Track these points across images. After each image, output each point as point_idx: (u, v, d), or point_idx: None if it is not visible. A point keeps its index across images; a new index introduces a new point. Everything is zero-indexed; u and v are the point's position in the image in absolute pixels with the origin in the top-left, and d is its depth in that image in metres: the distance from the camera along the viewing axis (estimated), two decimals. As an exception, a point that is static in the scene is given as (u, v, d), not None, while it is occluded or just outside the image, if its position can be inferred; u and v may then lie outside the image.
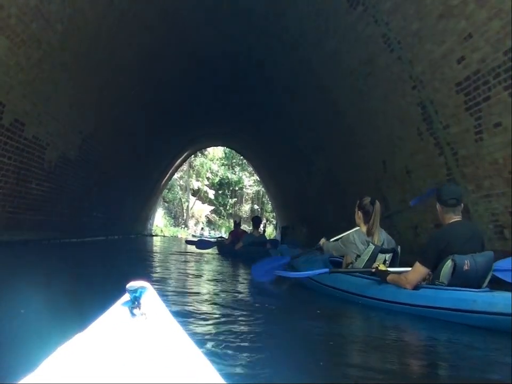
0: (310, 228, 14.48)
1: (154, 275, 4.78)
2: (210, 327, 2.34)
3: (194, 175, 40.21)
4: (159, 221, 29.87)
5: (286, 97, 11.91)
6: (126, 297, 0.93)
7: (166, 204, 38.04)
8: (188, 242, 11.36)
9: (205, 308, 2.98)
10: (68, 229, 9.64)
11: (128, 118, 11.20)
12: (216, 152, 39.87)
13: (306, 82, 9.92)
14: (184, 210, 39.43)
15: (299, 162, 14.55)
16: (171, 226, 34.07)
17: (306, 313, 3.18)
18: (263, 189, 44.42)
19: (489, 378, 1.84)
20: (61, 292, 3.10)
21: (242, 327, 2.40)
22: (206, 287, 4.10)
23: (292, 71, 10.21)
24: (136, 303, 0.86)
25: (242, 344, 2.00)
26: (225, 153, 40.88)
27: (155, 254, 9.91)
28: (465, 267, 2.87)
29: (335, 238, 4.32)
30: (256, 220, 8.94)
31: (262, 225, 26.60)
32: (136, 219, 18.88)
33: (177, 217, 38.79)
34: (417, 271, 3.05)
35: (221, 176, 41.38)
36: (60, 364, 0.64)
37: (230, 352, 1.81)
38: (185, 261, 8.15)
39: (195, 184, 40.38)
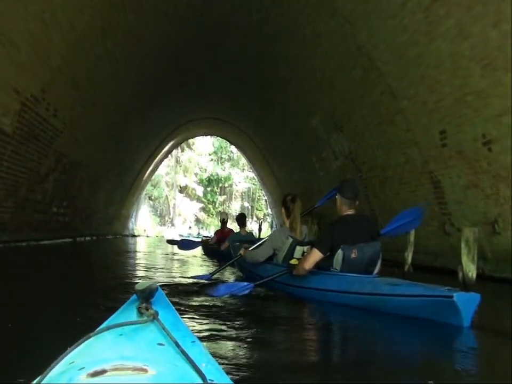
0: (323, 225, 12.10)
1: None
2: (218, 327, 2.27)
3: (181, 171, 38.60)
4: (144, 220, 27.60)
5: (292, 64, 9.53)
6: (135, 297, 0.95)
7: (151, 202, 36.36)
8: (169, 242, 9.40)
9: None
10: (9, 228, 7.12)
11: (102, 92, 8.72)
12: (205, 146, 38.15)
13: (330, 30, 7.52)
14: (171, 209, 37.60)
15: (307, 148, 12.16)
16: (157, 225, 32.11)
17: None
18: (254, 186, 43.06)
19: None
20: None
21: (247, 328, 2.38)
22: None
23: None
24: (145, 303, 0.85)
25: (250, 344, 2.03)
26: (215, 148, 39.16)
27: (125, 261, 7.45)
28: (353, 255, 3.24)
29: (255, 245, 4.55)
30: (240, 218, 8.11)
31: (258, 225, 24.37)
32: (114, 217, 16.33)
33: (163, 215, 37.02)
34: (313, 254, 3.36)
35: (210, 172, 39.69)
36: (69, 363, 0.64)
37: (239, 352, 1.85)
38: (158, 267, 5.84)
39: (182, 181, 39.11)
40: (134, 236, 20.07)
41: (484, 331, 2.57)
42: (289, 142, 13.66)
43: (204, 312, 2.70)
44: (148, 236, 23.02)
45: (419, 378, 1.68)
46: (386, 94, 7.16)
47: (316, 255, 3.34)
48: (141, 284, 0.91)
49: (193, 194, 39.35)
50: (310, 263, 3.35)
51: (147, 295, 0.88)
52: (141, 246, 13.88)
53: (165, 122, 15.73)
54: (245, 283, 3.63)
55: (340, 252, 3.24)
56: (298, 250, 3.95)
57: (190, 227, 37.85)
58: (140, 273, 5.24)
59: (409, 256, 5.55)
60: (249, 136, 17.87)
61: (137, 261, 7.42)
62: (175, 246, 9.07)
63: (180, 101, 14.25)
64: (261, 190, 37.11)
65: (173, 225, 35.84)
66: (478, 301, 2.50)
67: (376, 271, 3.34)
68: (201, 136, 26.96)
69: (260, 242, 4.50)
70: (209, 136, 37.04)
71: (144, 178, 19.70)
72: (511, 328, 2.66)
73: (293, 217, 4.14)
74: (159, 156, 19.57)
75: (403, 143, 7.32)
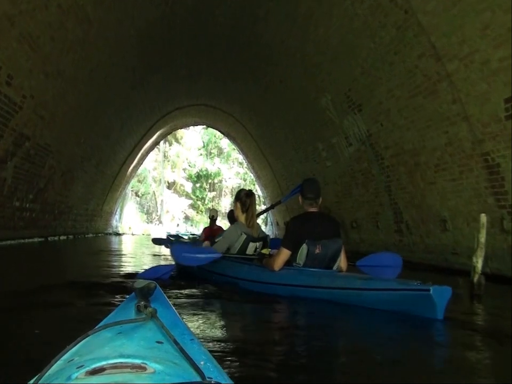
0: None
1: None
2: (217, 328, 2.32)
3: (169, 166, 37.38)
4: (130, 217, 26.08)
5: (299, 31, 8.04)
6: (133, 295, 0.94)
7: (138, 198, 34.90)
8: (155, 241, 8.04)
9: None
10: None
11: (70, 60, 7.13)
12: (194, 140, 36.94)
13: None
14: (158, 205, 36.09)
15: (313, 134, 10.71)
16: (144, 222, 30.61)
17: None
18: (244, 182, 41.71)
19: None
20: None
21: (249, 327, 2.47)
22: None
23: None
24: (143, 301, 0.84)
25: (249, 343, 2.04)
26: (204, 143, 37.96)
27: (97, 263, 5.89)
28: (317, 250, 3.26)
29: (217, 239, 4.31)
30: (231, 215, 7.24)
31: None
32: (95, 214, 14.69)
33: (150, 212, 35.51)
34: (282, 254, 3.38)
35: (199, 168, 38.47)
36: (67, 361, 0.64)
37: (238, 350, 1.86)
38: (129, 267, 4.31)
39: (170, 176, 38.12)
40: (117, 234, 18.47)
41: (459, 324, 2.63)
42: (290, 128, 12.17)
43: (202, 310, 2.75)
44: (133, 234, 21.42)
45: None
46: (426, 57, 5.72)
47: (284, 254, 3.37)
48: (139, 282, 0.90)
49: (181, 190, 38.13)
50: (279, 264, 3.38)
51: (145, 293, 0.87)
52: (124, 245, 12.33)
53: (150, 109, 14.13)
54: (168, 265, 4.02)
55: (304, 247, 3.28)
56: (252, 246, 3.99)
57: (178, 224, 36.43)
58: (110, 280, 3.79)
59: (478, 262, 4.13)
60: (243, 124, 16.35)
61: (112, 262, 5.92)
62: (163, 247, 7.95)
63: (167, 84, 12.66)
64: (254, 185, 35.90)
65: (160, 222, 34.37)
66: (450, 294, 2.56)
67: (335, 267, 3.39)
68: (190, 126, 25.33)
69: (220, 237, 4.21)
70: (199, 127, 35.92)
71: (129, 171, 18.05)
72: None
73: (250, 213, 4.11)
74: (145, 147, 17.94)
75: (446, 119, 5.89)
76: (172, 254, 4.13)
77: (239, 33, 9.51)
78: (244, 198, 4.16)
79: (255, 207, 4.18)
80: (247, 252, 3.93)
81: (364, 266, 3.52)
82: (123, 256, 8.13)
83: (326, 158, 10.60)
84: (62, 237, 10.99)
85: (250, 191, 4.29)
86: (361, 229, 9.92)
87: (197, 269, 4.08)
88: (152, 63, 10.64)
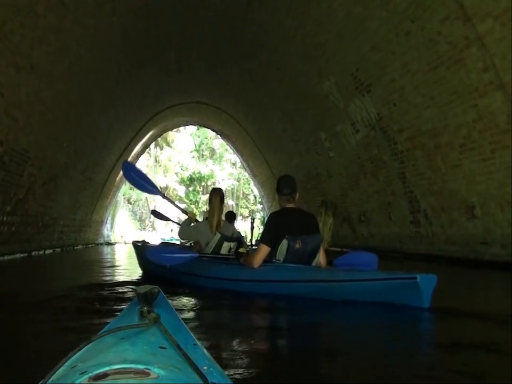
0: (342, 216, 9.96)
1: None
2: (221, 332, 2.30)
3: (161, 171, 36.76)
4: (122, 225, 25.27)
5: (299, 8, 7.29)
6: (136, 300, 0.95)
7: (130, 205, 34.06)
8: (155, 214, 7.29)
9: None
10: None
11: (44, 51, 6.32)
12: (185, 143, 36.42)
13: None
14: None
15: (314, 123, 9.98)
16: (137, 230, 29.84)
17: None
18: (238, 182, 41.01)
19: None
20: None
21: (256, 331, 2.43)
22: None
23: None
24: (146, 306, 0.84)
25: (253, 347, 2.03)
26: (196, 146, 37.46)
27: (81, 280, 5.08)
28: (297, 245, 3.23)
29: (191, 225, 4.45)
30: (229, 216, 7.63)
31: (250, 224, 22.30)
32: (84, 224, 13.82)
33: (143, 219, 34.64)
34: (261, 251, 3.33)
35: (192, 170, 37.97)
36: (70, 367, 0.65)
37: (241, 355, 1.84)
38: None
39: (162, 181, 37.04)
40: (109, 243, 17.59)
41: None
42: (289, 120, 11.43)
43: (205, 315, 2.79)
44: (125, 243, 20.53)
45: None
46: (451, 20, 5.01)
47: (264, 251, 3.33)
48: (142, 287, 0.91)
49: (174, 195, 37.02)
50: (258, 261, 3.32)
51: (148, 298, 0.88)
52: (115, 255, 11.49)
53: (139, 109, 13.30)
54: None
55: (284, 242, 3.25)
56: (226, 246, 4.01)
57: (172, 230, 35.70)
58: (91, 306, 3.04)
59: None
60: (237, 121, 15.59)
61: (100, 275, 5.12)
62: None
63: (156, 80, 11.86)
64: (248, 184, 35.15)
65: (154, 229, 33.63)
66: (435, 282, 2.55)
67: (314, 263, 3.37)
68: (182, 127, 24.57)
69: (193, 224, 4.42)
70: (190, 129, 35.26)
71: (119, 177, 17.18)
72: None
73: (212, 211, 4.15)
74: (135, 151, 17.09)
75: (475, 90, 5.19)
76: (148, 255, 4.01)
77: (233, 16, 8.73)
78: (210, 196, 4.27)
79: (221, 206, 4.18)
80: (221, 252, 3.96)
81: (341, 265, 3.48)
82: (113, 267, 7.31)
83: (329, 148, 9.89)
84: (48, 251, 10.12)
85: (217, 190, 4.34)
86: (371, 222, 9.21)
87: (170, 272, 3.97)
88: (138, 56, 9.83)
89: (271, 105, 12.00)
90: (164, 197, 5.11)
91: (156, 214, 7.37)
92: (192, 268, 3.82)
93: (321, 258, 3.40)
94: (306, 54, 8.36)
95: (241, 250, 3.80)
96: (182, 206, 34.13)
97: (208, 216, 4.21)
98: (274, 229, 3.34)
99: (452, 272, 6.15)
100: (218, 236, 3.98)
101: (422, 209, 7.23)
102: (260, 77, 11.08)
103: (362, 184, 9.12)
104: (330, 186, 10.68)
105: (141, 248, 4.90)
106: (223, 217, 4.61)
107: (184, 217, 4.85)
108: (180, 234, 4.48)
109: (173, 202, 5.72)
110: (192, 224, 4.39)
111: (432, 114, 6.03)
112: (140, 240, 6.22)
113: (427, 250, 7.15)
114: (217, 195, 4.19)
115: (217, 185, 41.32)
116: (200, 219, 4.67)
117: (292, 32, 8.15)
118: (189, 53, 10.88)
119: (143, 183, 4.77)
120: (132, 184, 5.28)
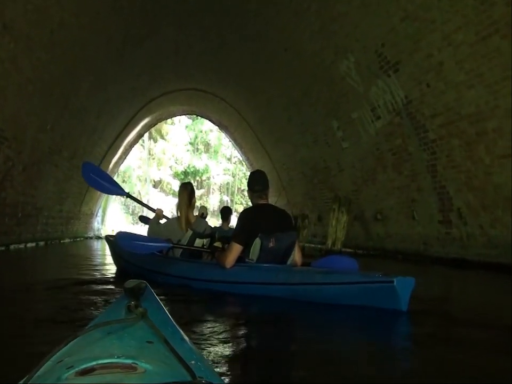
0: (354, 214, 9.06)
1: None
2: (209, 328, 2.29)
3: (154, 164, 36.06)
4: (114, 218, 24.39)
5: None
6: (124, 295, 0.93)
7: (122, 199, 32.96)
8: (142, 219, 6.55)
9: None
10: None
11: (20, 10, 5.33)
12: (180, 136, 35.64)
13: None
14: (144, 205, 34.33)
15: (326, 111, 9.07)
16: (130, 224, 29.00)
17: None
18: (233, 178, 40.17)
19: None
20: None
21: (239, 328, 2.43)
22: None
23: None
24: (134, 301, 0.82)
25: (240, 343, 2.07)
26: (191, 139, 36.72)
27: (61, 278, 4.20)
28: (271, 244, 3.13)
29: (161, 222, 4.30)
30: (225, 211, 7.70)
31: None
32: (71, 216, 12.83)
33: (136, 213, 33.68)
34: (232, 249, 3.22)
35: (186, 164, 37.25)
36: (57, 362, 0.64)
37: (228, 349, 1.86)
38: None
39: (156, 175, 36.68)
40: (99, 237, 16.63)
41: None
42: (296, 107, 10.51)
43: (193, 309, 2.81)
44: (117, 237, 19.64)
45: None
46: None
47: (236, 250, 3.21)
48: (129, 282, 0.89)
49: (168, 189, 36.46)
50: (230, 261, 3.21)
51: (136, 293, 0.86)
52: (105, 250, 10.57)
53: (132, 93, 12.31)
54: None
55: (257, 241, 3.14)
56: (198, 243, 3.91)
57: (165, 224, 34.98)
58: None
59: None
60: (237, 110, 14.65)
61: (87, 269, 4.37)
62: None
63: (151, 61, 10.88)
64: (246, 179, 34.35)
65: (147, 223, 32.61)
66: (413, 285, 2.51)
67: (290, 261, 3.25)
68: (178, 117, 23.61)
69: (165, 221, 4.27)
70: (185, 121, 34.38)
71: (111, 167, 16.16)
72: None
73: (181, 207, 4.01)
74: (128, 139, 16.07)
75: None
76: (120, 241, 3.71)
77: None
78: (178, 191, 4.15)
79: (190, 202, 4.04)
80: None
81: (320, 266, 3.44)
82: (101, 261, 6.39)
83: (342, 138, 8.99)
84: (29, 244, 9.15)
85: (187, 184, 4.20)
86: (389, 221, 8.33)
87: (144, 271, 3.76)
88: (132, 31, 8.86)
89: (276, 92, 11.07)
90: (129, 196, 4.79)
91: (143, 219, 6.64)
92: (165, 266, 3.70)
93: (296, 256, 3.31)
94: (321, 29, 7.43)
95: (216, 244, 3.69)
96: (175, 200, 33.68)
97: (176, 212, 4.06)
98: (246, 227, 3.24)
99: (491, 279, 5.33)
100: (190, 232, 3.89)
101: (455, 207, 6.35)
102: (265, 59, 10.14)
103: (380, 179, 8.23)
104: (341, 181, 9.79)
105: (114, 243, 4.45)
106: (196, 213, 4.25)
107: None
108: (150, 233, 4.20)
109: (139, 201, 5.80)
110: (161, 221, 4.23)
111: (478, 94, 5.14)
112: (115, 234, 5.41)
113: (460, 254, 6.28)
114: (184, 190, 4.04)
115: (212, 180, 40.58)
116: (195, 213, 4.25)
117: (306, 3, 7.20)
118: (188, 31, 9.92)
119: (105, 184, 4.52)
120: (92, 186, 4.93)
